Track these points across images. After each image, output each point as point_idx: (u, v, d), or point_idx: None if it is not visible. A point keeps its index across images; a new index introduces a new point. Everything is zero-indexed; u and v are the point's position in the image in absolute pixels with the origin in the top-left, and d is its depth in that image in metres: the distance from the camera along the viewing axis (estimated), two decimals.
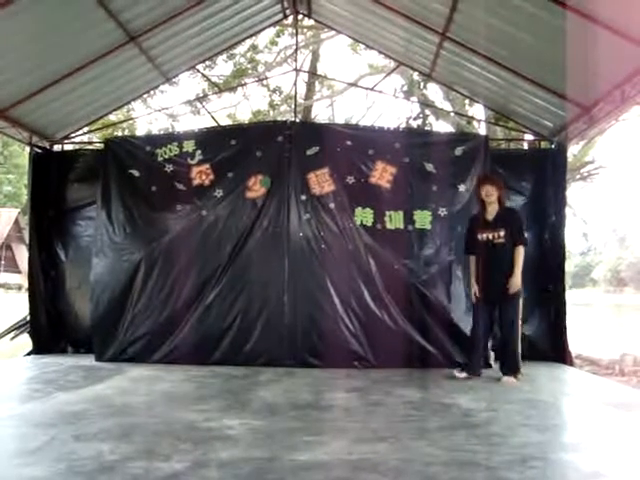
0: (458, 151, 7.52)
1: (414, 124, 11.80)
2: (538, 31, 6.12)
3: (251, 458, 3.54)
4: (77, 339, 8.06)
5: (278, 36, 15.83)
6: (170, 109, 13.65)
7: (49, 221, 8.11)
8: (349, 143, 7.43)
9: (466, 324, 7.06)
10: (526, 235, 6.62)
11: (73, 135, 8.71)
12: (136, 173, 7.59)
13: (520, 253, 6.32)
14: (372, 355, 7.15)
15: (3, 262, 36.09)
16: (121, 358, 7.28)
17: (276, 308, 7.22)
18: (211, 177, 7.49)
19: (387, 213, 7.32)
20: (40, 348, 7.93)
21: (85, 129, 8.88)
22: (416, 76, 11.82)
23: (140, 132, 14.66)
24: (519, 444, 3.90)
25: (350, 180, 7.36)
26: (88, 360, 7.33)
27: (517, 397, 5.55)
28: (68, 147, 8.73)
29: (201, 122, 14.85)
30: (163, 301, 7.33)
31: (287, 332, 7.19)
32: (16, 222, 38.78)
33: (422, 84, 11.82)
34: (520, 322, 6.42)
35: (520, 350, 6.40)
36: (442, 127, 13.45)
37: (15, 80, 6.96)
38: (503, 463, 3.46)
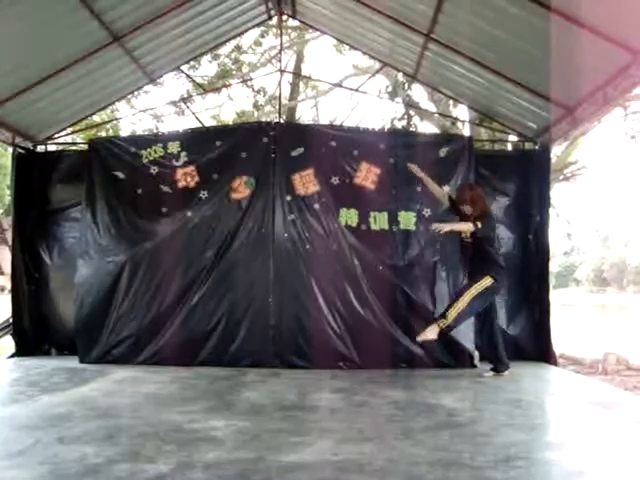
0: (442, 152, 7.55)
1: (399, 125, 11.82)
2: (522, 33, 6.16)
3: (237, 459, 3.54)
4: (61, 341, 8.00)
5: (262, 37, 15.80)
6: (154, 110, 13.59)
7: (33, 222, 8.04)
8: (334, 144, 7.43)
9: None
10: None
11: (57, 136, 8.66)
12: (121, 175, 7.54)
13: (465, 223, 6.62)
14: (357, 356, 7.16)
15: None
16: (105, 360, 7.24)
17: (261, 309, 7.21)
18: (196, 179, 7.46)
19: (372, 214, 7.34)
20: (23, 350, 7.88)
21: (69, 130, 8.83)
22: (401, 77, 11.84)
23: (124, 133, 14.58)
24: (503, 444, 3.93)
25: (335, 181, 7.37)
26: (72, 362, 7.29)
27: (502, 397, 5.59)
28: (52, 148, 8.65)
29: (185, 123, 14.82)
30: (148, 303, 7.29)
31: (272, 333, 7.18)
32: None
33: (407, 85, 11.84)
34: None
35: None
36: (427, 128, 13.49)
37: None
38: (488, 463, 3.49)
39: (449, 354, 7.21)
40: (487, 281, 6.36)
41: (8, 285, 33.33)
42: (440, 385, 6.24)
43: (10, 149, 8.20)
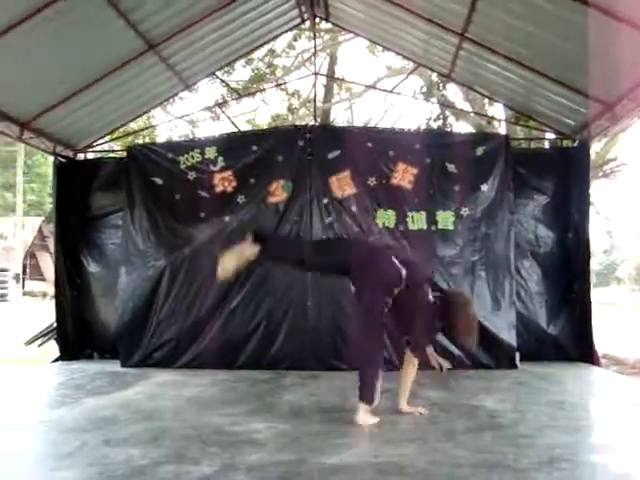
0: (479, 151, 7.50)
1: (434, 125, 11.78)
2: (558, 29, 6.09)
3: (279, 462, 3.56)
4: (103, 345, 8.13)
5: (295, 40, 15.87)
6: (190, 116, 13.75)
7: (74, 229, 8.19)
8: (370, 145, 7.43)
9: (492, 324, 7.09)
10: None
11: (96, 144, 8.80)
12: (159, 181, 7.65)
13: None
14: (397, 357, 7.11)
15: (28, 270, 36.45)
16: (146, 363, 7.35)
17: (300, 312, 7.25)
18: (233, 184, 7.53)
19: (409, 214, 7.32)
20: (67, 354, 8.03)
21: (107, 137, 8.97)
22: (435, 77, 11.80)
23: (160, 139, 14.76)
24: (547, 445, 3.89)
25: (371, 182, 7.37)
26: (114, 366, 7.40)
27: (544, 398, 5.53)
28: (91, 156, 8.80)
29: (221, 128, 14.95)
30: (188, 307, 7.39)
31: (311, 335, 7.21)
32: (40, 230, 39.16)
33: (441, 85, 11.80)
34: None
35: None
36: (462, 128, 13.40)
37: (39, 92, 7.08)
38: (531, 465, 3.46)
39: (489, 355, 7.15)
40: None
41: (50, 291, 34.08)
42: (480, 386, 6.20)
43: (51, 158, 8.36)
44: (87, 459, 3.63)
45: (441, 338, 7.08)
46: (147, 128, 12.65)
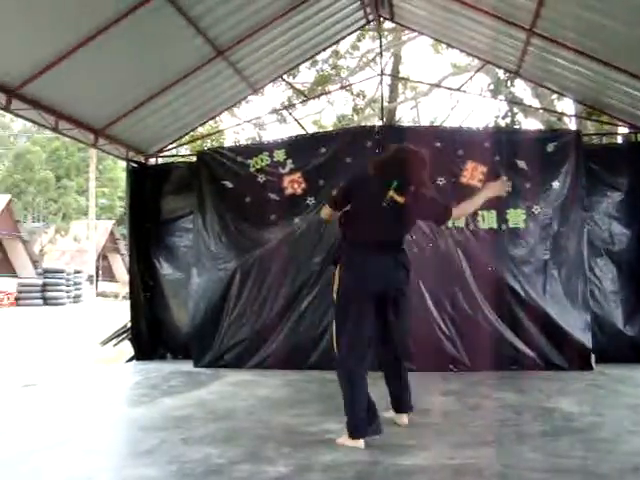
0: (550, 147, 7.36)
1: (502, 123, 11.60)
2: (631, 19, 5.91)
3: (353, 462, 3.59)
4: (175, 346, 8.31)
5: (359, 40, 15.86)
6: (258, 119, 13.90)
7: (147, 233, 8.40)
8: (438, 145, 7.38)
9: (566, 324, 6.96)
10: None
11: (166, 149, 9.00)
12: (229, 184, 7.78)
13: None
14: (467, 358, 7.07)
15: (100, 272, 37.54)
16: (218, 364, 7.48)
17: None
18: (303, 185, 7.60)
19: (479, 213, 7.23)
20: (141, 354, 8.24)
21: (177, 142, 9.16)
22: (502, 74, 11.62)
23: (228, 142, 14.98)
24: (630, 451, 3.78)
25: (441, 181, 7.30)
26: (187, 366, 7.55)
27: (622, 401, 5.39)
28: (162, 160, 9.00)
29: (287, 130, 15.05)
30: (258, 308, 7.50)
31: None
32: (111, 233, 40.39)
33: (509, 82, 11.60)
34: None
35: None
36: (531, 125, 13.16)
37: (112, 100, 7.31)
38: (613, 471, 3.36)
39: (562, 355, 7.00)
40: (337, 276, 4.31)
41: (122, 291, 35.12)
42: (554, 388, 6.07)
43: (121, 163, 8.60)
44: (166, 457, 3.73)
45: (512, 338, 7.03)
46: (215, 132, 12.83)
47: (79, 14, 5.72)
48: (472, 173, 7.32)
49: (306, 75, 15.97)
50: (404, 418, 4.57)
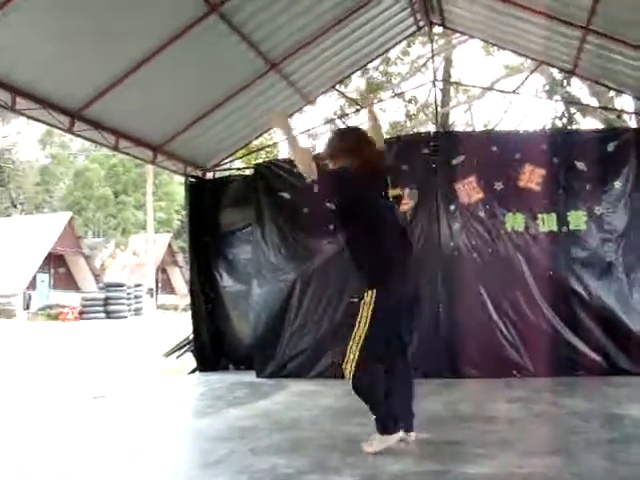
0: (610, 147, 7.22)
1: (559, 124, 11.40)
2: None
3: (422, 471, 3.56)
4: (237, 357, 8.40)
5: (409, 46, 15.83)
6: (311, 130, 13.96)
7: (206, 245, 8.54)
8: (494, 149, 7.31)
9: (634, 327, 6.83)
10: None
11: (223, 162, 9.14)
12: (286, 195, 7.86)
13: None
14: (531, 364, 6.96)
15: (159, 284, 38.20)
16: (280, 374, 7.53)
17: (431, 319, 7.18)
18: None
19: (539, 216, 7.14)
20: (203, 366, 8.36)
21: (233, 156, 9.29)
22: (557, 73, 11.43)
23: (283, 153, 15.10)
24: None
25: (498, 186, 7.24)
26: (249, 376, 7.62)
27: None
28: (219, 174, 9.14)
29: None
30: (319, 317, 7.54)
31: (443, 343, 7.14)
32: (169, 246, 41.11)
33: (565, 81, 11.40)
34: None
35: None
36: (589, 124, 12.88)
37: (170, 117, 7.51)
38: None
39: (630, 359, 6.83)
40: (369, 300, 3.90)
41: (181, 304, 35.64)
42: (623, 393, 5.93)
43: (177, 177, 8.79)
44: (235, 467, 3.78)
45: (577, 342, 6.88)
46: (270, 145, 12.95)
47: (137, 36, 5.95)
48: (530, 176, 7.22)
49: (357, 83, 16.00)
50: (414, 435, 4.12)
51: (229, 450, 4.17)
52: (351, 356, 3.97)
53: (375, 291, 3.85)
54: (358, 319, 3.92)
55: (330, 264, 7.54)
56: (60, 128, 6.74)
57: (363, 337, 3.89)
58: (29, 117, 6.40)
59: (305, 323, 7.59)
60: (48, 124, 6.73)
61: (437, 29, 12.49)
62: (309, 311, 7.59)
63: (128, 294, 30.08)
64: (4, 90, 5.79)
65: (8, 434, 5.17)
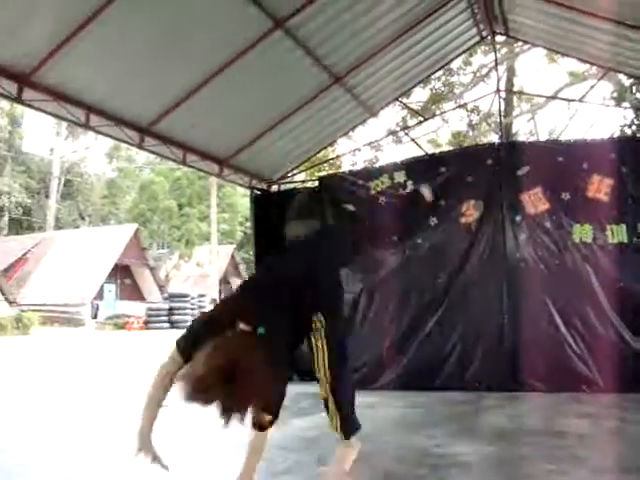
0: None
1: (629, 131, 11.12)
2: None
3: None
4: (302, 367, 8.41)
5: (471, 56, 15.71)
6: (374, 143, 14.01)
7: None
8: (560, 159, 7.19)
9: None
10: None
11: (287, 175, 9.27)
12: (351, 207, 7.90)
13: None
14: (601, 378, 6.80)
15: (223, 295, 38.68)
16: None
17: (496, 332, 7.13)
18: None
19: (608, 227, 6.98)
20: None
21: (297, 169, 9.40)
22: (626, 80, 11.17)
23: (345, 165, 15.21)
24: None
25: (565, 197, 7.12)
26: (314, 388, 7.61)
27: None
28: (284, 187, 9.27)
29: (403, 150, 15.09)
30: (384, 330, 7.55)
31: (508, 356, 7.05)
32: (232, 257, 41.66)
33: (634, 87, 11.12)
34: None
35: None
36: None
37: (236, 131, 7.69)
38: None
39: None
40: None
41: None
42: None
43: (240, 189, 8.96)
44: (302, 476, 3.84)
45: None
46: (335, 158, 13.04)
47: (204, 53, 6.13)
48: (598, 187, 7.08)
49: (419, 94, 15.96)
50: None
51: (295, 460, 4.23)
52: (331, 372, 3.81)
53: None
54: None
55: (395, 275, 7.58)
56: (130, 143, 6.99)
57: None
58: (102, 133, 6.67)
59: (369, 334, 7.61)
60: (119, 140, 7.00)
61: (499, 37, 12.43)
62: (373, 322, 7.62)
63: (192, 304, 30.55)
64: (78, 108, 6.04)
65: (83, 440, 5.33)
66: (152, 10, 5.35)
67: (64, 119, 6.34)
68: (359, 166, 14.55)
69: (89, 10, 5.01)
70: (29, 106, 5.77)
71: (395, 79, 8.56)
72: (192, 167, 8.12)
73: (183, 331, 2.97)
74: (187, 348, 2.79)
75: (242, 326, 2.81)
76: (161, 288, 34.31)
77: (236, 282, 43.03)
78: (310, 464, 4.13)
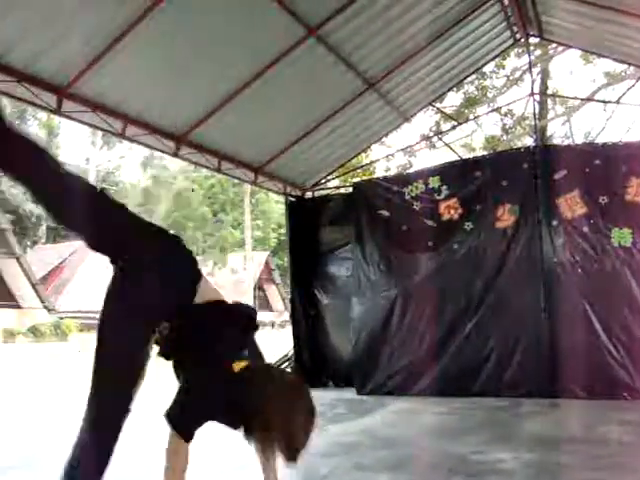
0: None
1: None
2: None
3: None
4: (337, 373, 8.46)
5: (504, 59, 15.56)
6: (408, 148, 13.93)
7: (306, 264, 8.69)
8: (598, 162, 7.08)
9: None
10: None
11: (321, 182, 9.29)
12: (385, 213, 7.90)
13: None
14: None
15: (257, 302, 38.82)
16: (381, 391, 7.54)
17: (534, 337, 7.04)
18: (459, 211, 7.57)
19: None
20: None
21: (331, 175, 9.41)
22: None
23: (378, 170, 15.14)
24: None
25: (603, 201, 7.00)
26: (349, 394, 7.66)
27: None
28: (318, 193, 9.28)
29: (437, 155, 14.97)
30: (420, 335, 7.50)
31: (547, 361, 6.95)
32: (266, 264, 41.79)
33: None
34: None
35: None
36: None
37: (270, 139, 7.77)
38: None
39: None
40: None
41: (277, 320, 35.88)
42: None
43: (273, 196, 9.02)
44: None
45: None
46: (369, 164, 13.00)
47: (237, 62, 6.22)
48: (637, 190, 6.95)
49: (452, 98, 15.85)
50: None
51: (334, 466, 4.23)
52: None
53: None
54: None
55: (431, 280, 7.54)
56: (167, 152, 7.08)
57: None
58: (139, 143, 6.76)
59: (406, 340, 7.57)
60: (156, 149, 7.08)
61: (533, 39, 12.30)
62: (410, 328, 7.56)
63: None
64: (116, 118, 6.14)
65: None
66: (186, 21, 5.42)
67: (102, 129, 6.46)
68: (392, 172, 14.50)
69: (125, 23, 5.12)
70: (68, 117, 5.87)
71: (429, 84, 8.54)
72: (227, 175, 8.19)
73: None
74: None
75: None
76: None
77: (270, 288, 43.22)
78: (349, 470, 4.13)
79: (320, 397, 7.29)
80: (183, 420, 2.60)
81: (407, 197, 7.82)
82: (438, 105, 12.85)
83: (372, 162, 13.22)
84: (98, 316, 2.68)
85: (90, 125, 6.36)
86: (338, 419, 6.13)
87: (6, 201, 39.17)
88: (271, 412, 2.48)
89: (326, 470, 4.13)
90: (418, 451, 4.71)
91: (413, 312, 7.59)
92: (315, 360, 8.56)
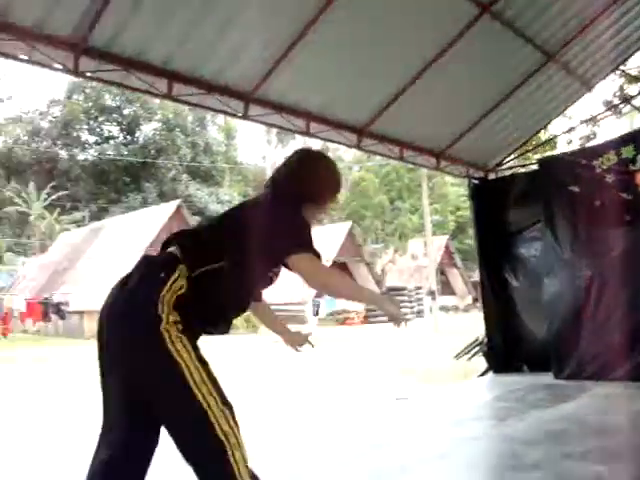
0: None
1: None
2: None
3: None
4: (532, 358, 8.15)
5: None
6: (591, 119, 13.13)
7: (493, 246, 8.49)
8: None
9: None
10: None
11: (504, 161, 9.03)
12: (575, 189, 7.48)
13: None
14: None
15: (439, 286, 38.66)
16: (580, 376, 7.14)
17: None
18: None
19: None
20: (496, 367, 8.30)
21: (514, 154, 9.13)
22: None
23: (560, 144, 14.45)
24: None
25: None
26: (546, 378, 7.38)
27: None
28: (501, 174, 9.04)
29: (623, 123, 14.03)
30: (621, 315, 6.97)
31: None
32: (447, 248, 41.53)
33: None
34: None
35: None
36: None
37: (451, 122, 7.70)
38: None
39: None
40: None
41: (461, 304, 35.47)
42: None
43: (449, 179, 8.88)
44: (553, 471, 3.73)
45: None
46: (552, 138, 12.46)
47: (413, 49, 6.25)
48: None
49: (637, 58, 14.69)
50: None
51: (543, 454, 4.13)
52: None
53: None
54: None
55: (631, 256, 6.97)
56: (349, 145, 7.26)
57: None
58: (322, 138, 7.02)
59: (606, 321, 7.07)
60: (339, 142, 7.25)
61: None
62: (609, 308, 7.05)
63: (409, 297, 30.83)
64: (299, 117, 6.41)
65: (320, 429, 5.61)
66: (360, 14, 5.52)
67: (287, 129, 6.75)
68: (575, 145, 13.76)
69: (300, 26, 5.36)
70: (255, 121, 6.20)
71: (612, 48, 7.98)
72: (409, 162, 8.23)
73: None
74: None
75: None
76: (378, 283, 34.98)
77: (452, 272, 42.88)
78: (560, 459, 4.00)
79: (515, 382, 7.26)
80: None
81: (598, 170, 7.36)
82: (622, 67, 12.01)
83: (554, 137, 12.63)
84: None
85: (276, 126, 6.67)
86: (539, 405, 5.96)
87: (193, 203, 42.03)
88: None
89: (534, 459, 4.03)
90: (635, 440, 4.46)
91: (610, 292, 7.08)
92: (508, 344, 8.33)
